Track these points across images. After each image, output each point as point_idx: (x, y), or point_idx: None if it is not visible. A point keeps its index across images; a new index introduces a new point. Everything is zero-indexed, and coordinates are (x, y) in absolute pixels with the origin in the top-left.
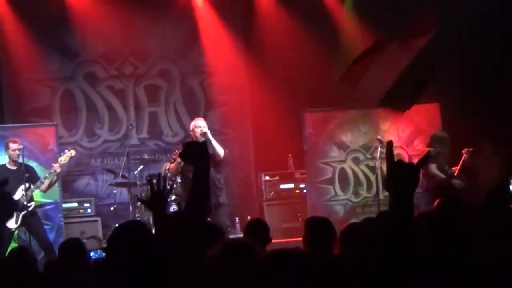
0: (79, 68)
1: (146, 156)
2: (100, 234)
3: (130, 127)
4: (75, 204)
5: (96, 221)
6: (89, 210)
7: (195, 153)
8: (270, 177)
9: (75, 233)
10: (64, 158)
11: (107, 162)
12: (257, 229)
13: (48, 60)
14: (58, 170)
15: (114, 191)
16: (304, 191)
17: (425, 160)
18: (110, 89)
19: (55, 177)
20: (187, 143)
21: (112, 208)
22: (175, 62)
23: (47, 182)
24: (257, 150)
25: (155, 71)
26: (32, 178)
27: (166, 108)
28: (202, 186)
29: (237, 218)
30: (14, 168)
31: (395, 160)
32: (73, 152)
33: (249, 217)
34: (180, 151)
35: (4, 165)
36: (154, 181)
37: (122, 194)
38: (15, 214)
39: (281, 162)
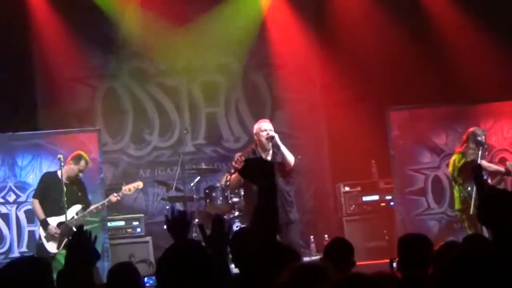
0: (124, 63)
1: (203, 166)
2: (151, 257)
3: (185, 131)
4: (122, 223)
5: (146, 242)
6: (138, 229)
7: (257, 171)
8: (351, 188)
9: (122, 256)
10: (128, 189)
11: (158, 172)
12: (339, 251)
13: (88, 55)
14: (114, 200)
15: (167, 207)
16: (391, 203)
17: None
18: (161, 87)
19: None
20: (247, 160)
21: (165, 227)
22: (236, 54)
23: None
24: (334, 156)
25: (212, 65)
26: (83, 199)
27: (226, 108)
28: (268, 208)
29: (311, 236)
30: (67, 182)
31: (485, 187)
32: (140, 184)
33: (326, 236)
34: (243, 158)
35: (56, 173)
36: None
37: None
38: (58, 238)
39: (362, 170)
